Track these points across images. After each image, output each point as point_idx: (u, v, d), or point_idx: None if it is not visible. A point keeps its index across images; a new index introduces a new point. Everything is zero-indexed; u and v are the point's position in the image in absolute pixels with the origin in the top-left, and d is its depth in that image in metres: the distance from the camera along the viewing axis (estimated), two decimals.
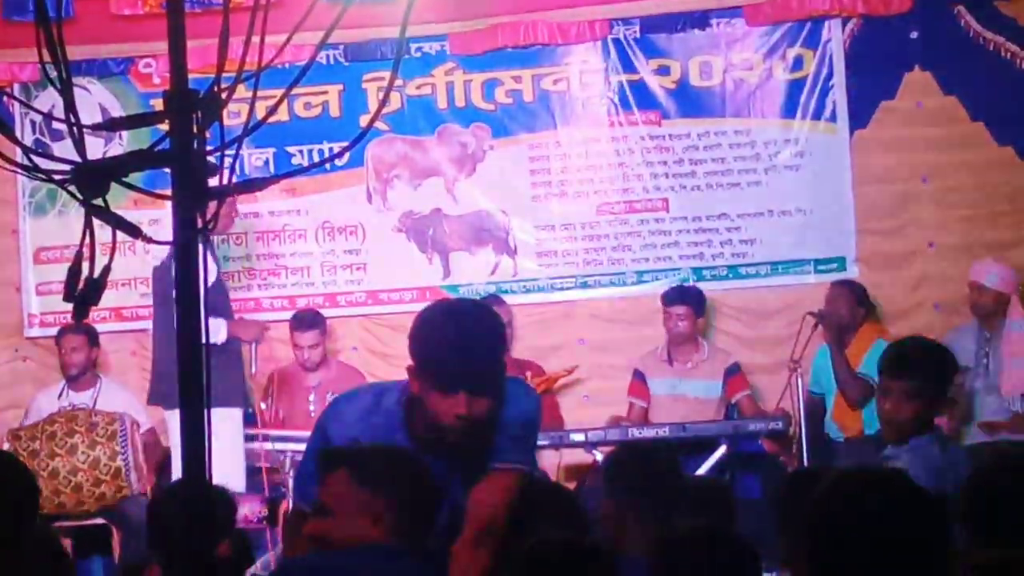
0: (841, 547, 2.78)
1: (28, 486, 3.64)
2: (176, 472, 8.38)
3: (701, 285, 9.70)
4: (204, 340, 2.27)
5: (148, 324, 9.24)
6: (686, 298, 9.42)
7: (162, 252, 8.34)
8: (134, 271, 9.33)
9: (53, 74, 2.34)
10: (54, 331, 9.80)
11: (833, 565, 2.81)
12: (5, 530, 3.43)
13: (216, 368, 8.23)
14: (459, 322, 4.16)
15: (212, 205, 2.37)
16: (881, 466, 5.18)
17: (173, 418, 8.47)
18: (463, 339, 4.11)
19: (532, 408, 4.31)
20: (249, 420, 8.82)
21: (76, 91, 2.40)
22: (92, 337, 9.53)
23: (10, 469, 3.66)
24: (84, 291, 2.40)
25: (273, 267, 10.19)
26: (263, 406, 9.14)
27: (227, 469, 8.16)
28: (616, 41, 9.99)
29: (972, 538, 3.84)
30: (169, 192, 2.32)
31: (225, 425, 8.16)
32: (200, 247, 2.29)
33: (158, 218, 8.71)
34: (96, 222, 2.42)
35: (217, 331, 8.45)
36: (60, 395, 9.50)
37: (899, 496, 2.85)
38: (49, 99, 9.32)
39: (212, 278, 8.57)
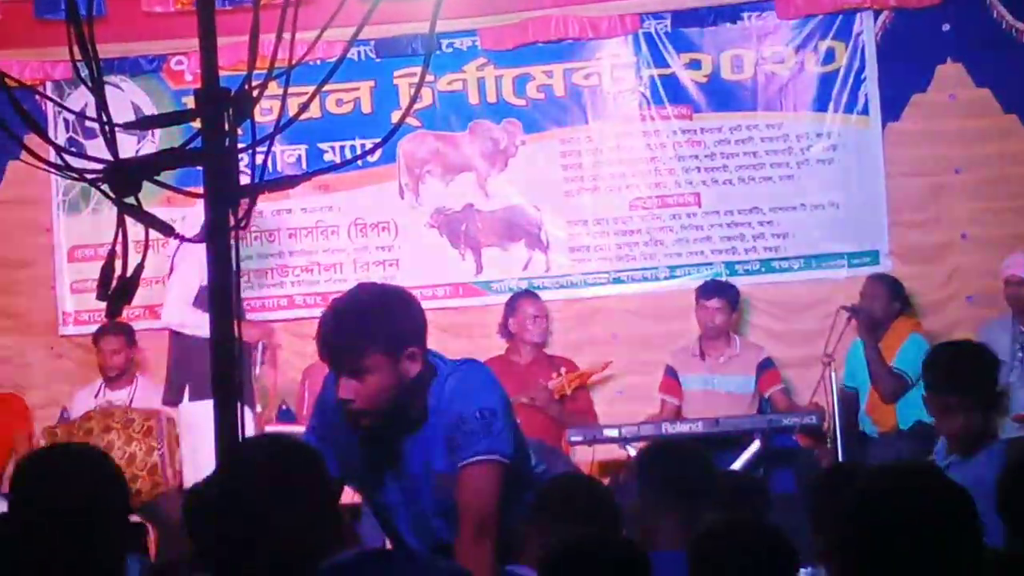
0: (880, 542, 2.77)
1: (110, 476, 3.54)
2: (190, 466, 8.30)
3: (734, 280, 9.68)
4: (239, 335, 2.27)
5: None
6: (722, 292, 9.41)
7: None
8: (167, 268, 9.33)
9: (85, 73, 2.35)
10: (88, 329, 9.84)
11: (871, 560, 2.80)
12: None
13: None
14: (332, 306, 4.37)
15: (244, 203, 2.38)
16: (920, 461, 5.18)
17: (188, 412, 8.44)
18: (327, 322, 4.30)
19: (487, 399, 4.36)
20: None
21: (108, 89, 2.41)
22: (130, 336, 9.58)
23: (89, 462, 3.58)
24: (117, 289, 2.40)
25: (306, 264, 10.20)
26: (259, 408, 8.99)
27: None
28: (647, 35, 9.97)
29: (1008, 532, 3.82)
30: (201, 190, 2.32)
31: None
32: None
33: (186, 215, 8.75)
34: (130, 220, 2.42)
35: (204, 324, 8.31)
36: (97, 394, 9.54)
37: (938, 491, 2.85)
38: (82, 97, 9.35)
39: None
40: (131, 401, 9.34)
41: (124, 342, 9.52)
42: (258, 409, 8.69)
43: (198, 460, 8.07)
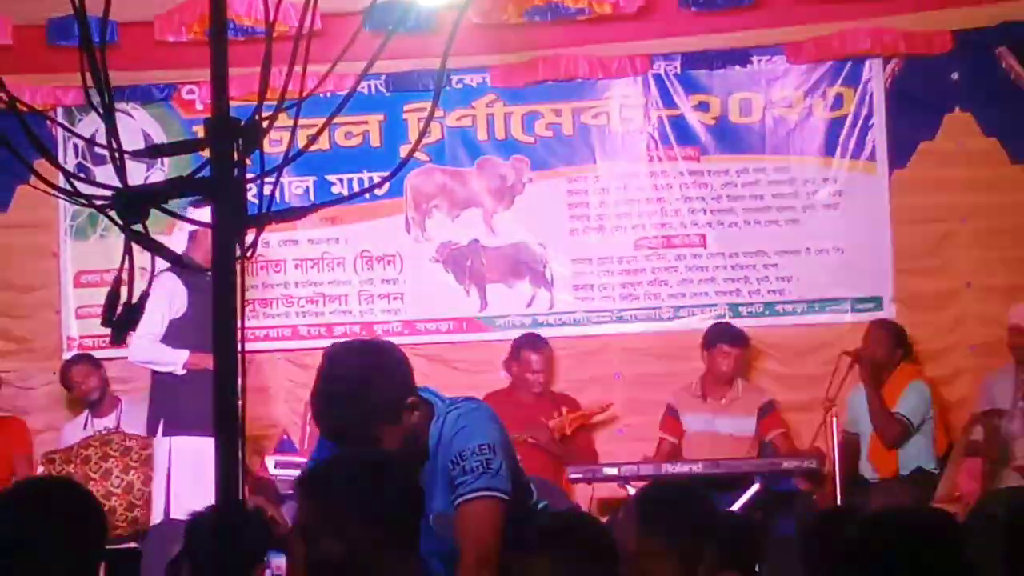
0: None
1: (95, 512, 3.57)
2: (159, 501, 8.22)
3: (737, 322, 9.67)
4: (241, 368, 2.28)
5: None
6: (738, 339, 9.41)
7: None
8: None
9: (97, 100, 2.36)
10: (93, 354, 9.84)
11: None
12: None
13: (195, 396, 8.14)
14: (321, 389, 4.32)
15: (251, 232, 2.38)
16: (913, 509, 5.16)
17: (160, 447, 8.38)
18: (323, 407, 4.30)
19: (486, 435, 4.35)
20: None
21: (119, 116, 2.42)
22: (93, 361, 9.61)
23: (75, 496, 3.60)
24: (122, 316, 2.41)
25: (311, 295, 10.20)
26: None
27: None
28: (657, 76, 9.99)
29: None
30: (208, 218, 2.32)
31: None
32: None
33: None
34: (137, 247, 2.43)
35: (174, 361, 8.38)
36: (85, 424, 9.54)
37: (929, 540, 2.85)
38: (93, 123, 9.39)
39: (182, 309, 8.42)
40: (118, 424, 9.35)
41: (89, 367, 9.57)
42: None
43: (177, 494, 8.03)
